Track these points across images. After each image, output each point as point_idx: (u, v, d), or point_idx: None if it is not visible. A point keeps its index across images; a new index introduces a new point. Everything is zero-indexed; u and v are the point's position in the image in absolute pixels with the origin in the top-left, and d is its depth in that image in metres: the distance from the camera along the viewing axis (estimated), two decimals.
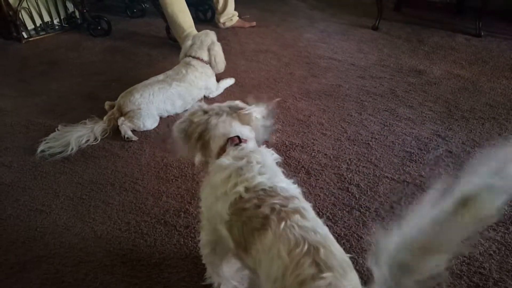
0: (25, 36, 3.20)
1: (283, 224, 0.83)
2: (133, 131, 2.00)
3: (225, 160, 1.02)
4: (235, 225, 0.92)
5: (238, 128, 1.10)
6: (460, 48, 2.70)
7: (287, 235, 0.81)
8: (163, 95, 2.08)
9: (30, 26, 3.22)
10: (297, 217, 0.85)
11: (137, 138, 1.96)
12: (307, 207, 0.91)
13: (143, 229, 1.47)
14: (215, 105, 1.17)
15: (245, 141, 1.09)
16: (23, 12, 3.13)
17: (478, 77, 2.37)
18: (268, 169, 0.99)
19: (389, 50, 2.74)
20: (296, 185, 1.02)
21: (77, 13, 3.42)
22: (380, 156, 1.76)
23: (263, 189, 0.92)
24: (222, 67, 2.34)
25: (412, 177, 1.63)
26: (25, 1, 3.09)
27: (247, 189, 0.93)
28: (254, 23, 3.28)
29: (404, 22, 3.18)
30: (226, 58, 2.40)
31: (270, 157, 1.06)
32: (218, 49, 2.29)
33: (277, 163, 1.09)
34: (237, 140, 1.08)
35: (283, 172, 1.06)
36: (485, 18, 2.90)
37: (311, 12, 3.58)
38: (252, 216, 0.89)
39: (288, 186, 0.96)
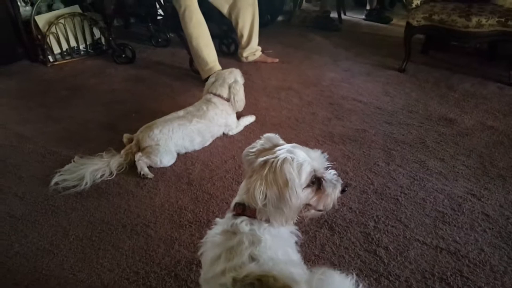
0: (51, 60, 3.25)
1: None
2: (149, 167, 1.93)
3: (217, 238, 0.92)
4: None
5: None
6: (492, 97, 2.59)
7: None
8: (183, 131, 2.03)
9: (56, 50, 3.27)
10: None
11: (153, 176, 1.90)
12: None
13: (152, 281, 1.37)
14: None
15: (251, 213, 0.93)
16: (51, 36, 3.20)
17: None
18: (263, 250, 0.86)
19: (417, 95, 2.65)
20: (301, 264, 0.90)
21: (103, 40, 3.47)
22: (410, 215, 1.63)
23: (252, 284, 0.79)
24: (241, 106, 2.29)
25: (446, 242, 1.50)
26: (54, 26, 3.16)
27: (235, 282, 0.82)
28: (276, 60, 3.26)
29: (431, 65, 3.09)
30: (247, 94, 2.36)
31: (271, 232, 0.92)
32: (239, 88, 2.25)
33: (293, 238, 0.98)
34: (239, 211, 0.95)
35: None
36: None
37: (335, 50, 3.54)
38: None
39: (284, 271, 0.83)
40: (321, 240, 1.51)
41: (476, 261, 1.41)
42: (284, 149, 0.94)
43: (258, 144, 1.00)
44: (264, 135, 1.03)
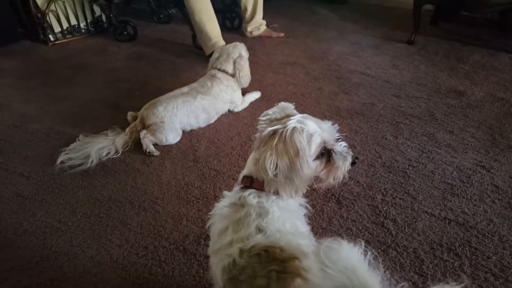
0: (52, 39, 3.20)
1: None
2: (155, 145, 1.92)
3: (225, 210, 0.92)
4: None
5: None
6: (503, 68, 2.51)
7: None
8: (187, 108, 2.00)
9: (57, 29, 3.22)
10: (297, 281, 0.73)
11: (159, 153, 1.89)
12: (312, 266, 0.75)
13: (161, 255, 1.38)
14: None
15: (259, 185, 0.92)
16: (50, 15, 3.14)
17: None
18: (270, 222, 0.86)
19: (426, 67, 2.58)
20: (309, 236, 0.89)
21: (103, 17, 3.40)
22: (418, 187, 1.61)
23: (258, 254, 0.79)
24: (247, 82, 2.24)
25: (454, 214, 1.48)
26: (53, 4, 3.09)
27: (241, 252, 0.81)
28: (282, 34, 3.18)
29: (441, 37, 3.00)
30: (252, 70, 2.31)
31: (279, 205, 0.91)
32: (244, 63, 2.19)
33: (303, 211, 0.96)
34: (247, 183, 0.94)
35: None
36: None
37: (341, 23, 3.44)
38: None
39: (291, 242, 0.82)
40: (328, 214, 1.51)
41: (485, 231, 1.40)
42: (294, 119, 0.91)
43: (271, 111, 0.98)
44: (279, 103, 1.00)
